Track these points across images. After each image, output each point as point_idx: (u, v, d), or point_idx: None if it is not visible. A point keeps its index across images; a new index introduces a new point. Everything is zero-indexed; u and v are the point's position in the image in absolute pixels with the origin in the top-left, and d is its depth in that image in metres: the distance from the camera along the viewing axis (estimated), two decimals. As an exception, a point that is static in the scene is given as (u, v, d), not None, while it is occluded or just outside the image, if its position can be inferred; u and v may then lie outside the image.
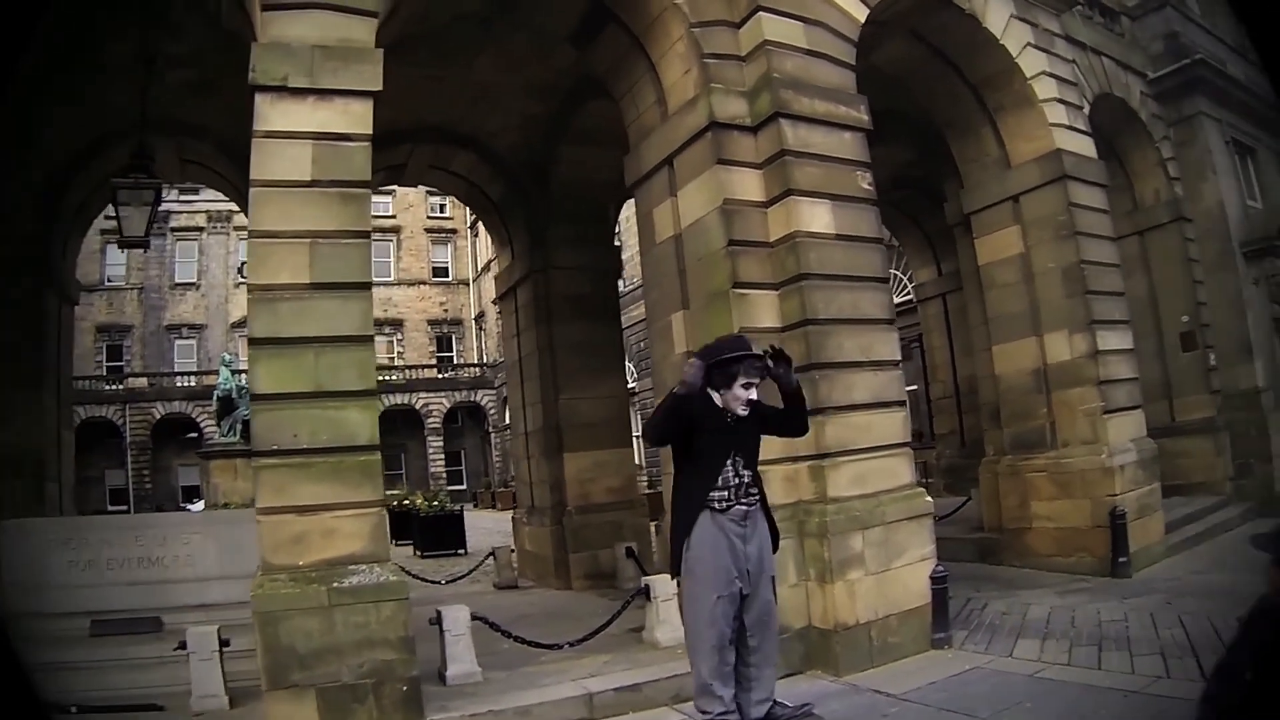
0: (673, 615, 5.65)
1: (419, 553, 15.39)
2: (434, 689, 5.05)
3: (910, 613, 5.71)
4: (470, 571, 10.64)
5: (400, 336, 39.80)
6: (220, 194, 10.51)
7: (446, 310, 40.63)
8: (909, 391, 20.07)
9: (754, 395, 3.61)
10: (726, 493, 3.56)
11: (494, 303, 12.71)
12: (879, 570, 5.65)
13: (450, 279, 40.65)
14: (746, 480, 3.63)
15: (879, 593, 5.60)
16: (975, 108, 8.50)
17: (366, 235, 4.86)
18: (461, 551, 14.64)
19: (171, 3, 6.51)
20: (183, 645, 4.81)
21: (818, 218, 6.05)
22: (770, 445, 5.91)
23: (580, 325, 9.87)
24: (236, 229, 34.83)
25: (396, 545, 17.39)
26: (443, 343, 40.93)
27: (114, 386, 34.24)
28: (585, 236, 9.96)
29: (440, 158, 10.06)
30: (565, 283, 9.93)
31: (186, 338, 36.76)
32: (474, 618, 5.41)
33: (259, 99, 4.72)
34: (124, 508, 30.18)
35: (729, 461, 3.60)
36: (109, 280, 35.32)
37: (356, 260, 4.78)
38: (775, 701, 3.76)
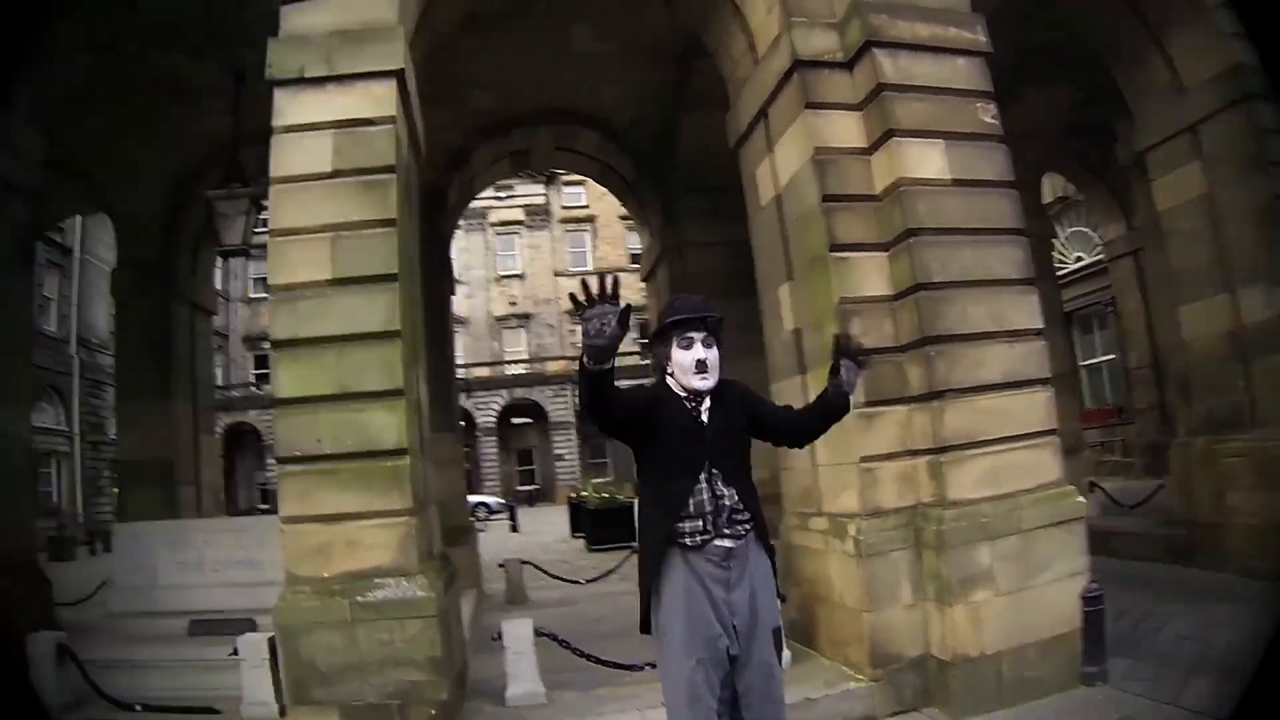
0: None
1: (590, 547, 14.99)
2: (492, 709, 4.70)
3: (1053, 641, 4.61)
4: (617, 567, 10.23)
5: (599, 324, 40.48)
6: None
7: (646, 296, 40.72)
8: (1105, 361, 17.81)
9: (703, 355, 2.71)
10: (700, 523, 2.60)
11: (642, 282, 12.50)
12: (1013, 589, 4.60)
13: (649, 265, 40.70)
14: (729, 503, 2.64)
15: (1013, 617, 4.56)
16: (1135, 25, 6.97)
17: (391, 223, 4.51)
18: (633, 545, 14.21)
19: (245, 20, 6.60)
20: (236, 651, 4.74)
21: (928, 161, 5.03)
22: (883, 436, 5.02)
23: (716, 305, 9.19)
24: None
25: (573, 538, 17.56)
26: (643, 328, 41.25)
27: (261, 392, 36.22)
28: (717, 209, 9.17)
29: (564, 138, 9.86)
30: (699, 259, 9.52)
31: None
32: (539, 634, 5.00)
33: (278, 95, 4.56)
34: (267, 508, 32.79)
35: (702, 476, 2.64)
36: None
37: (381, 250, 4.45)
38: None
